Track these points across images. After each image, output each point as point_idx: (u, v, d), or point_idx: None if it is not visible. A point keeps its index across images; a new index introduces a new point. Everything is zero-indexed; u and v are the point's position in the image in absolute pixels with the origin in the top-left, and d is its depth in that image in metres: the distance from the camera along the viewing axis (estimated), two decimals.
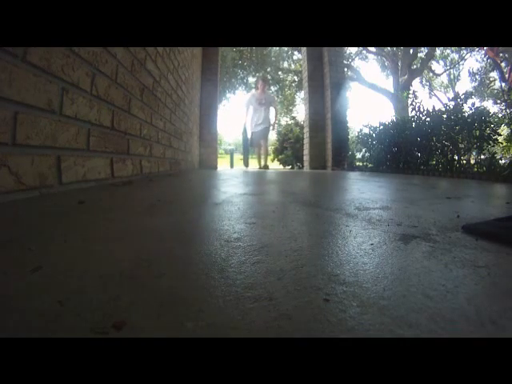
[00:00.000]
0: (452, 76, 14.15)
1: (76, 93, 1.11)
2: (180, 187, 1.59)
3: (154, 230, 0.62)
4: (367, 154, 4.51)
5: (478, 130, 3.04)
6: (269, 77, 10.73)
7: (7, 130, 0.79)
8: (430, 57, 10.69)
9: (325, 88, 4.60)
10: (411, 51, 9.69)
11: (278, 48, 10.11)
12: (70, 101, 1.07)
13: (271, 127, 5.28)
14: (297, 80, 10.71)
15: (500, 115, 4.08)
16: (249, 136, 5.29)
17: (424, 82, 12.73)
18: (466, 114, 3.11)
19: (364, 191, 1.47)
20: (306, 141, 4.89)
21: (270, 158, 6.23)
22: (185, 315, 0.29)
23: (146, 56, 1.90)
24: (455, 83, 14.38)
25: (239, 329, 0.27)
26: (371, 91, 11.59)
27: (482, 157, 3.23)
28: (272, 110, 5.30)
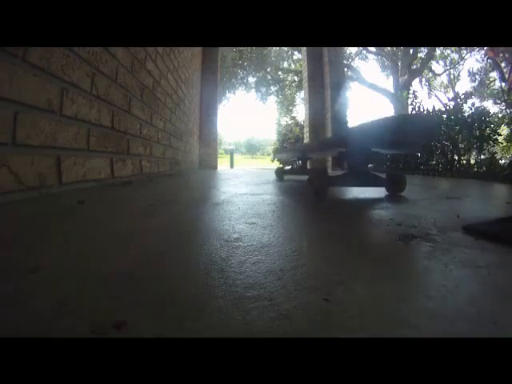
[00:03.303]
0: (452, 76, 14.16)
1: (76, 93, 1.11)
2: (180, 187, 1.59)
3: (154, 229, 0.62)
4: None
5: (477, 130, 3.04)
6: (269, 77, 10.75)
7: (7, 130, 0.79)
8: (430, 57, 10.69)
9: (325, 88, 4.61)
10: (411, 51, 9.69)
11: (278, 48, 10.11)
12: (70, 101, 1.07)
13: None
14: (297, 80, 10.70)
15: (500, 115, 4.08)
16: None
17: (424, 82, 12.75)
18: (466, 114, 3.11)
19: (364, 191, 1.47)
20: (306, 141, 4.89)
21: (269, 157, 5.96)
22: (185, 315, 0.29)
23: (145, 56, 1.90)
24: (455, 83, 14.38)
25: (239, 329, 0.27)
26: (371, 91, 11.59)
27: (482, 157, 3.23)
28: None
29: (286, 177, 2.54)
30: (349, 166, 1.35)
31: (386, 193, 1.38)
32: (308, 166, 2.78)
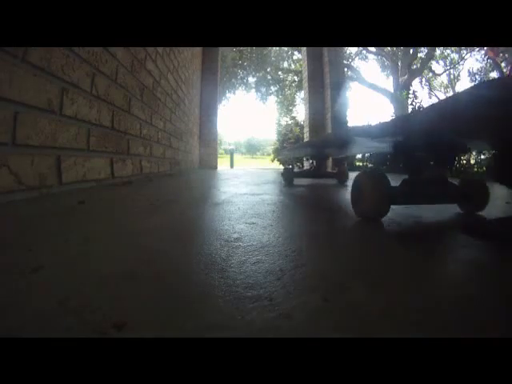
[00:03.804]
0: (452, 76, 14.16)
1: (76, 93, 1.11)
2: (180, 187, 1.59)
3: (154, 229, 0.62)
4: (367, 154, 4.52)
5: None
6: (269, 77, 10.75)
7: (7, 130, 0.79)
8: (430, 57, 10.69)
9: (325, 88, 4.60)
10: (411, 51, 9.69)
11: (278, 48, 10.11)
12: (70, 101, 1.07)
13: None
14: (297, 80, 10.70)
15: None
16: None
17: (424, 82, 12.75)
18: None
19: None
20: (306, 141, 4.89)
21: (269, 157, 5.86)
22: (185, 315, 0.29)
23: (145, 56, 1.90)
24: (455, 83, 14.39)
25: (239, 329, 0.27)
26: (371, 91, 11.60)
27: (482, 157, 3.23)
28: None
29: (295, 181, 2.02)
30: (411, 169, 0.84)
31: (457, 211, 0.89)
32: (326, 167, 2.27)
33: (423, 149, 0.83)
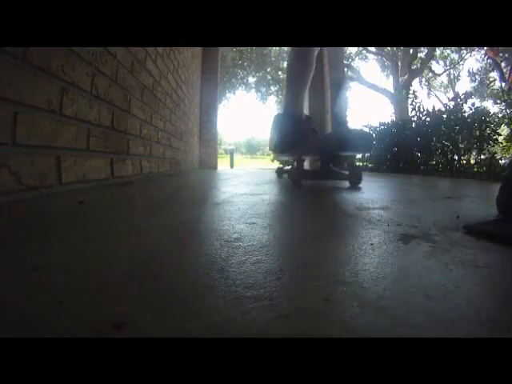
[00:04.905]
0: (452, 76, 14.19)
1: (76, 93, 1.11)
2: (180, 187, 1.59)
3: (154, 229, 0.62)
4: (367, 154, 4.52)
5: (477, 130, 3.05)
6: (269, 77, 10.76)
7: (7, 130, 0.79)
8: (430, 57, 10.69)
9: (325, 88, 4.60)
10: (411, 51, 9.70)
11: (278, 48, 10.12)
12: (70, 101, 1.07)
13: None
14: None
15: (500, 115, 4.09)
16: None
17: (424, 82, 12.73)
18: (466, 114, 3.11)
19: (364, 191, 1.47)
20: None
21: (270, 158, 5.83)
22: (185, 315, 0.29)
23: (145, 56, 1.90)
24: (455, 83, 14.41)
25: (239, 329, 0.27)
26: (371, 91, 11.60)
27: (482, 157, 3.24)
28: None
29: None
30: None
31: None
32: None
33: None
